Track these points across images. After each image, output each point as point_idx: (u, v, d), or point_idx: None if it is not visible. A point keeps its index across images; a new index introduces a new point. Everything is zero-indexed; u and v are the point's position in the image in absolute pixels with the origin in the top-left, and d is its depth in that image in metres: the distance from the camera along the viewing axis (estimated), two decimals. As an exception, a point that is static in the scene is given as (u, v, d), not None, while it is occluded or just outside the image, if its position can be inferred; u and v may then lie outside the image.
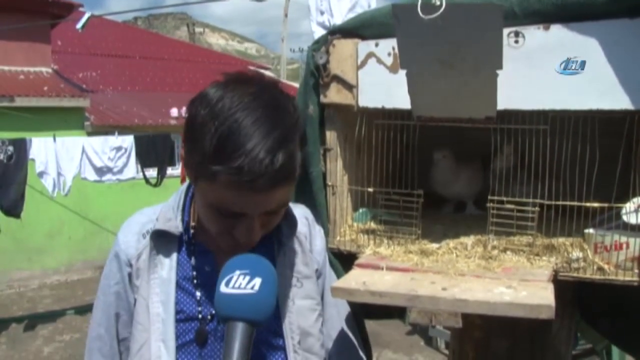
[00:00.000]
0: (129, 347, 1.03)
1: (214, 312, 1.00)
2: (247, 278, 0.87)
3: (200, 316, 1.01)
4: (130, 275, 1.04)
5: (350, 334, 1.23)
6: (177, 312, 1.01)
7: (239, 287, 0.86)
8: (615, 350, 3.49)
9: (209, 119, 0.86)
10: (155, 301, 1.00)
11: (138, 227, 1.07)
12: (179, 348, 0.99)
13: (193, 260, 1.04)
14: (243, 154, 0.82)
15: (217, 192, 0.88)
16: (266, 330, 1.03)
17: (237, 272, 0.88)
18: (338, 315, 1.21)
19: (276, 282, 0.92)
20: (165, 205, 1.08)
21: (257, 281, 0.87)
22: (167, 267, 1.03)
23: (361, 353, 1.25)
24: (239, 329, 0.85)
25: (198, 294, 1.02)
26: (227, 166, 0.83)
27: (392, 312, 1.43)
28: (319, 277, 1.15)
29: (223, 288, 0.87)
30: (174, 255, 1.04)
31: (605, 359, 3.78)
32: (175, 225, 1.03)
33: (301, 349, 1.04)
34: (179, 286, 1.02)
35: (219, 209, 0.92)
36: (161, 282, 1.01)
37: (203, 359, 1.00)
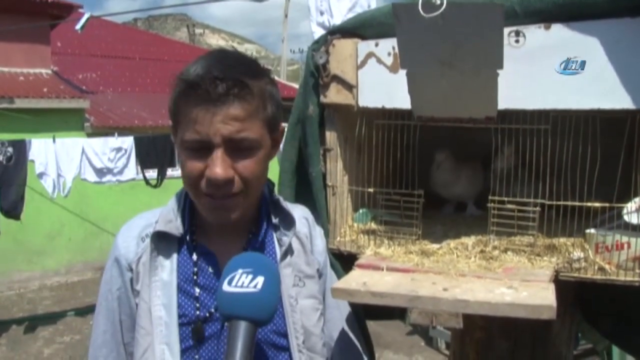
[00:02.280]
0: (132, 352, 1.03)
1: (212, 310, 1.00)
2: (250, 277, 0.87)
3: (198, 313, 1.01)
4: (131, 280, 1.04)
5: (353, 335, 1.23)
6: (180, 316, 1.00)
7: (241, 286, 0.86)
8: (616, 351, 3.48)
9: (178, 76, 0.98)
10: (157, 304, 1.00)
11: (137, 231, 1.06)
12: (183, 352, 0.99)
13: (194, 257, 1.03)
14: (198, 70, 0.94)
15: (183, 122, 0.95)
16: (270, 330, 1.03)
17: (240, 271, 0.87)
18: (340, 316, 1.21)
19: (279, 281, 0.92)
20: (165, 208, 1.08)
21: (260, 280, 0.87)
22: (168, 269, 1.02)
23: (363, 354, 1.25)
24: (242, 328, 0.84)
25: (197, 290, 1.02)
26: (185, 80, 0.94)
27: (393, 312, 1.42)
28: (320, 278, 1.15)
29: (225, 287, 0.87)
30: (175, 257, 1.03)
31: (605, 360, 3.78)
32: (176, 227, 1.03)
33: (305, 348, 1.04)
34: (180, 289, 1.02)
35: (190, 145, 0.95)
36: (162, 285, 1.01)
37: None
